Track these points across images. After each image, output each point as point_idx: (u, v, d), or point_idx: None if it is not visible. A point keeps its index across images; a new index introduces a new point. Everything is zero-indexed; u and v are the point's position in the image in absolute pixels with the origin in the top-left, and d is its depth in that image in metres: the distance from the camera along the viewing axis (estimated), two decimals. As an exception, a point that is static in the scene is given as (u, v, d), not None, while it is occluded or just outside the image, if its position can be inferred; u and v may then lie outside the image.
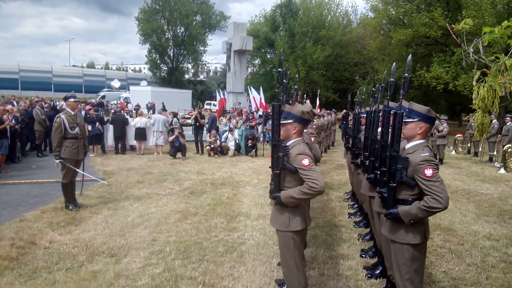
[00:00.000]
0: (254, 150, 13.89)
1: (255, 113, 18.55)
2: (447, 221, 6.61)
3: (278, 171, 3.22)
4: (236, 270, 4.48)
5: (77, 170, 6.94)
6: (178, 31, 54.50)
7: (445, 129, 13.19)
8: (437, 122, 13.35)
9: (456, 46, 20.43)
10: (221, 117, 18.62)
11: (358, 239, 5.54)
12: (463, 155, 15.73)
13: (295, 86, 6.32)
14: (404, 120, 3.11)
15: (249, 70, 43.14)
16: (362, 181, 5.02)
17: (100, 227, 5.83)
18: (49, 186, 8.41)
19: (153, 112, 26.13)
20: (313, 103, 23.63)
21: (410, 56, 3.18)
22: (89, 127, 12.30)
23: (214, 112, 17.80)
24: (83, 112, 12.39)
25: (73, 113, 6.84)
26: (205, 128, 14.89)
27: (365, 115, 6.54)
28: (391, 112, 3.12)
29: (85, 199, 7.35)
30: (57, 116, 6.82)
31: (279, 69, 3.52)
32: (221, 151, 13.73)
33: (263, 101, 19.90)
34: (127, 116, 14.26)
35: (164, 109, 19.70)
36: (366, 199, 4.82)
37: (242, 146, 14.16)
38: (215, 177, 9.84)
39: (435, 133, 13.20)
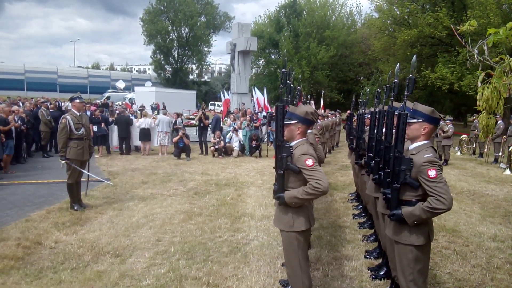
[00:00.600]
0: (258, 150, 13.90)
1: (259, 114, 18.56)
2: (452, 222, 6.58)
3: (282, 172, 3.22)
4: (240, 270, 4.48)
5: (83, 170, 6.98)
6: (183, 32, 54.63)
7: (450, 130, 13.13)
8: (442, 122, 13.28)
9: (461, 46, 20.34)
10: (226, 118, 18.65)
11: (363, 240, 5.53)
12: (468, 156, 15.66)
13: (299, 87, 6.31)
14: (408, 121, 3.11)
15: (253, 70, 43.16)
16: (366, 182, 5.02)
17: (105, 227, 5.86)
18: (54, 186, 8.46)
19: (158, 113, 26.21)
20: (317, 103, 23.62)
21: (414, 57, 3.18)
22: (95, 128, 12.37)
23: (218, 113, 17.83)
24: (88, 113, 12.46)
25: (78, 114, 6.88)
26: (209, 129, 14.92)
27: (369, 116, 6.54)
28: (395, 113, 3.12)
29: (90, 200, 7.39)
30: (62, 117, 6.86)
31: (283, 69, 3.53)
32: (225, 151, 13.75)
33: (266, 102, 19.90)
34: (132, 117, 14.32)
35: (163, 108, 19.76)
36: (371, 200, 4.82)
37: (246, 147, 14.17)
38: (219, 178, 9.86)
39: (440, 134, 13.14)
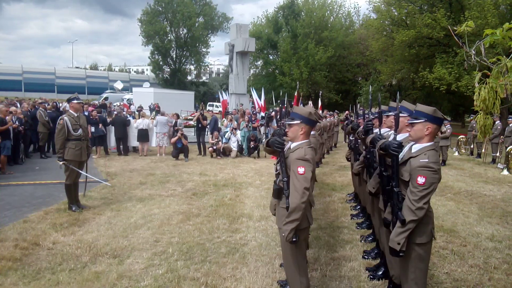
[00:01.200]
0: (256, 151, 13.90)
1: (257, 114, 18.56)
2: (450, 222, 6.60)
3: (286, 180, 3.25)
4: (238, 271, 4.48)
5: (80, 171, 6.97)
6: (181, 32, 54.66)
7: (448, 131, 13.16)
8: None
9: (458, 47, 20.40)
10: (223, 119, 18.65)
11: (361, 240, 5.53)
12: (466, 156, 15.69)
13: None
14: (410, 121, 3.11)
15: (252, 71, 43.21)
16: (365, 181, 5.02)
17: (103, 228, 5.85)
18: (52, 187, 8.44)
19: (156, 114, 26.16)
20: (315, 104, 23.65)
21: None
22: (92, 129, 12.36)
23: (216, 113, 17.83)
24: (86, 114, 12.44)
25: (76, 114, 6.87)
26: (207, 130, 14.92)
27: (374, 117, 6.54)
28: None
29: (88, 200, 7.38)
30: (60, 118, 6.85)
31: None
32: (224, 152, 13.75)
33: (263, 103, 19.92)
34: (130, 118, 14.31)
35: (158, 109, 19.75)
36: (369, 200, 4.82)
37: (244, 148, 14.18)
38: (217, 178, 9.86)
39: (438, 134, 13.16)
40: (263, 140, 15.49)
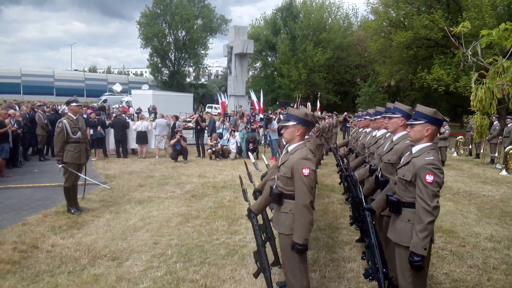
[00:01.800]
0: (255, 153, 13.90)
1: (256, 116, 18.57)
2: (449, 223, 6.61)
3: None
4: (237, 273, 4.48)
5: (79, 174, 6.96)
6: (180, 34, 54.69)
7: (447, 131, 13.18)
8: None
9: (456, 48, 20.47)
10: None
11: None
12: (464, 157, 15.72)
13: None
14: (410, 122, 3.12)
15: (250, 73, 43.23)
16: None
17: (102, 231, 5.85)
18: (51, 190, 8.43)
19: (155, 116, 26.12)
20: (314, 105, 23.66)
21: None
22: (91, 131, 12.35)
23: (215, 115, 17.82)
24: (84, 116, 12.44)
25: (75, 117, 6.87)
26: (206, 131, 14.91)
27: (363, 119, 6.58)
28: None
29: (87, 203, 7.37)
30: (59, 121, 6.84)
31: None
32: (223, 154, 13.75)
33: (261, 104, 19.94)
34: (129, 120, 14.30)
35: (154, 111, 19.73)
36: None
37: (243, 149, 14.18)
38: (216, 180, 9.85)
39: (437, 135, 13.18)
40: (262, 142, 15.52)
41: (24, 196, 7.89)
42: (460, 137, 17.15)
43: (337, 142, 11.33)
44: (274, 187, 3.40)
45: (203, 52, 57.20)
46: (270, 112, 23.03)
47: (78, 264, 4.63)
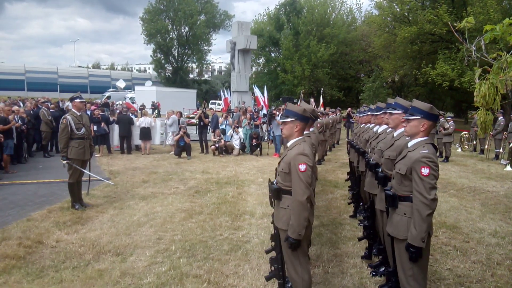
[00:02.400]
0: (258, 149, 13.91)
1: (260, 112, 18.54)
2: (453, 218, 6.59)
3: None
4: (241, 268, 4.50)
5: (83, 170, 7.00)
6: (183, 30, 54.56)
7: (451, 127, 13.12)
8: (442, 119, 13.29)
9: (461, 43, 20.33)
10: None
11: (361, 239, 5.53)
12: (469, 153, 15.65)
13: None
14: (406, 117, 3.15)
15: (254, 69, 43.16)
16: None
17: (106, 226, 5.88)
18: (55, 186, 8.48)
19: (158, 113, 26.10)
20: (317, 101, 23.59)
21: None
22: (95, 127, 12.39)
23: (218, 111, 17.81)
24: (88, 113, 12.48)
25: (79, 113, 6.90)
26: (209, 127, 14.93)
27: (366, 114, 6.56)
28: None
29: (91, 199, 7.41)
30: (63, 117, 6.88)
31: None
32: (226, 150, 13.76)
33: (266, 100, 19.89)
34: (132, 116, 14.34)
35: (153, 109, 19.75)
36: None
37: (246, 145, 14.18)
38: (220, 176, 9.87)
39: (441, 130, 13.14)
40: (265, 138, 15.52)
41: (28, 192, 7.94)
42: (464, 132, 17.06)
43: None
44: (274, 182, 3.42)
45: (206, 48, 57.07)
46: (273, 108, 22.98)
47: (83, 260, 4.66)
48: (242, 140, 14.09)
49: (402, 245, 3.05)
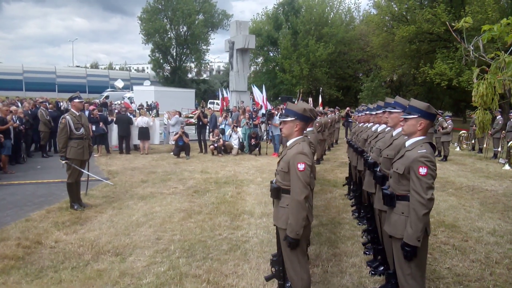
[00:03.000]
0: (257, 148, 13.91)
1: (259, 111, 18.54)
2: (451, 217, 6.61)
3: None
4: (240, 268, 4.50)
5: (82, 170, 6.99)
6: (181, 30, 54.55)
7: (450, 126, 13.15)
8: (441, 119, 13.31)
9: (459, 42, 20.40)
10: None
11: (362, 236, 5.54)
12: (467, 152, 15.68)
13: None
14: (404, 116, 3.15)
15: (252, 68, 43.11)
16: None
17: (105, 226, 5.88)
18: (54, 186, 8.47)
19: (157, 113, 26.09)
20: (316, 101, 23.59)
21: None
22: (93, 127, 12.37)
23: (216, 111, 17.80)
24: (86, 112, 12.46)
25: (77, 113, 6.89)
26: (208, 127, 14.93)
27: (364, 114, 6.57)
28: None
29: (90, 199, 7.40)
30: (62, 117, 6.87)
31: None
32: (225, 150, 13.76)
33: (265, 99, 19.88)
34: (131, 116, 14.33)
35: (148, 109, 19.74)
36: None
37: (245, 145, 14.18)
38: (218, 176, 9.87)
39: (440, 130, 13.17)
40: (264, 137, 15.52)
41: (27, 192, 7.93)
42: (463, 131, 17.09)
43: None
44: (273, 181, 3.42)
45: (204, 47, 57.10)
46: (272, 107, 22.98)
47: (82, 260, 4.66)
48: (241, 140, 14.09)
49: (400, 244, 3.05)
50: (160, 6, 52.86)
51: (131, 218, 6.28)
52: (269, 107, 19.17)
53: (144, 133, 13.56)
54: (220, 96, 23.31)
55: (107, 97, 35.78)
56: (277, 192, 3.32)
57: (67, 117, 6.72)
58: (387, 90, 32.74)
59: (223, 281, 4.18)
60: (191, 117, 23.09)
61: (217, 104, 36.85)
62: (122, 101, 28.78)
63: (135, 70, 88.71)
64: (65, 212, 6.52)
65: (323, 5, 38.28)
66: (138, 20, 53.58)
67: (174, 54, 56.03)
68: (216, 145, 13.51)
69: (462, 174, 10.70)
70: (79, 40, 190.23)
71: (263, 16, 43.26)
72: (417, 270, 3.02)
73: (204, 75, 71.34)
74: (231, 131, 14.13)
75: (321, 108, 18.88)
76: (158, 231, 5.69)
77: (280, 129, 3.50)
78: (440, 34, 23.83)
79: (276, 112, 15.31)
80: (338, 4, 39.78)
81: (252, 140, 13.88)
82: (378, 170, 3.98)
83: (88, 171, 7.41)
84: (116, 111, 15.40)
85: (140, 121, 13.54)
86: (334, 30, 36.29)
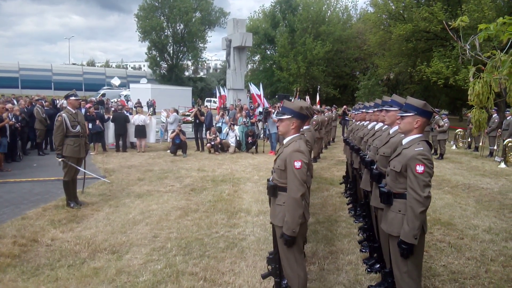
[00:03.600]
0: (254, 146, 13.91)
1: (256, 110, 18.54)
2: (447, 215, 6.64)
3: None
4: (237, 265, 4.51)
5: (79, 168, 6.97)
6: (178, 28, 54.30)
7: (446, 124, 13.19)
8: (437, 117, 13.35)
9: (455, 41, 20.45)
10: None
11: (358, 234, 5.56)
12: (463, 150, 15.75)
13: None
14: (401, 114, 3.16)
15: (249, 66, 43.07)
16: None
17: (101, 224, 5.87)
18: (50, 184, 8.45)
19: (154, 110, 26.02)
20: (313, 99, 23.60)
21: None
22: (89, 125, 12.33)
23: (213, 109, 17.78)
24: (83, 110, 12.41)
25: (74, 111, 6.87)
26: (205, 125, 14.91)
27: (361, 112, 6.58)
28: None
29: (87, 197, 7.39)
30: (58, 115, 6.85)
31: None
32: (222, 148, 13.76)
33: (262, 97, 19.87)
34: (127, 114, 14.29)
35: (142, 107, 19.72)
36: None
37: (242, 143, 14.18)
38: (215, 174, 9.87)
39: (436, 128, 13.21)
40: (261, 135, 15.53)
41: (23, 190, 7.91)
42: (459, 130, 17.16)
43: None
44: (270, 179, 3.42)
45: (201, 45, 56.81)
46: (269, 105, 22.97)
47: (78, 258, 4.65)
48: (238, 138, 14.09)
49: (397, 242, 3.07)
50: (156, 4, 52.59)
51: (127, 216, 6.28)
52: (267, 104, 19.15)
53: (141, 131, 13.54)
54: (218, 94, 23.29)
55: (103, 95, 35.67)
56: (273, 190, 3.32)
57: (63, 114, 6.70)
58: (384, 88, 32.80)
59: (219, 278, 4.19)
60: (188, 115, 23.05)
61: (214, 102, 36.85)
62: (119, 99, 28.72)
63: (131, 68, 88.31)
64: (61, 210, 6.51)
65: (320, 3, 38.26)
66: (135, 17, 53.30)
67: (171, 52, 55.81)
68: (213, 143, 13.51)
69: (458, 172, 10.75)
70: (75, 38, 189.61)
71: (260, 14, 43.24)
72: (413, 268, 3.03)
73: (201, 73, 71.17)
74: (228, 129, 14.12)
75: (318, 106, 18.89)
76: (155, 229, 5.69)
77: (277, 127, 3.50)
78: (437, 32, 23.88)
79: (273, 111, 15.31)
80: (335, 2, 39.80)
81: (249, 138, 13.88)
82: (375, 168, 3.99)
83: (84, 169, 7.39)
84: (113, 109, 15.35)
85: (136, 119, 13.52)
86: (331, 28, 36.27)
